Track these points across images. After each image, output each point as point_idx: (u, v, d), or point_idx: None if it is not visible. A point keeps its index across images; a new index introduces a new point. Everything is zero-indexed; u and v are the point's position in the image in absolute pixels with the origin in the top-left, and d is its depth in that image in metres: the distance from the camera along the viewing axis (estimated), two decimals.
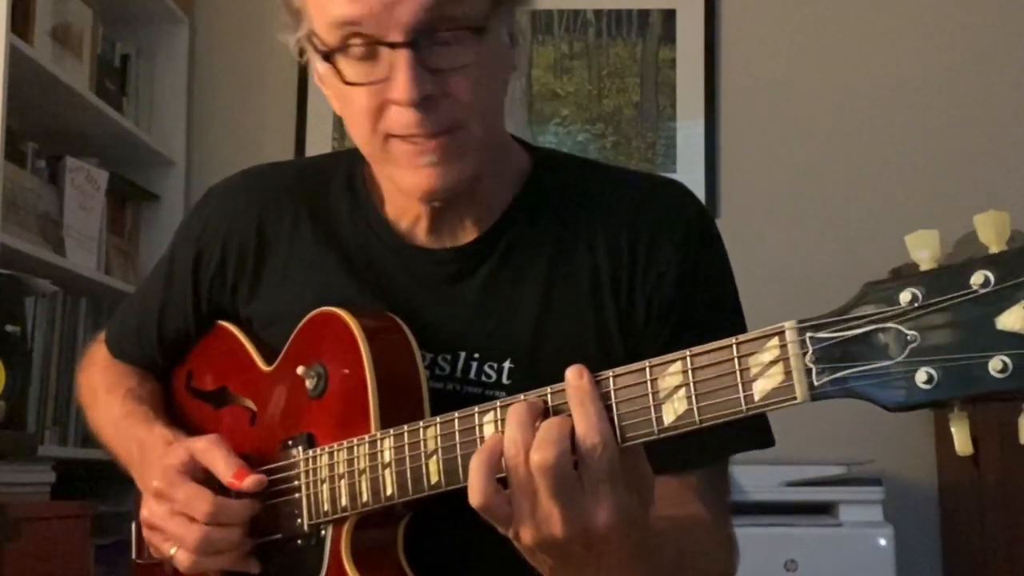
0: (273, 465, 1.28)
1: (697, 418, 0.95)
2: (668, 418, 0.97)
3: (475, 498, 1.02)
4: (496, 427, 1.06)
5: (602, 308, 1.28)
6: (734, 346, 0.93)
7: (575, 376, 1.01)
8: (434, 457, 1.12)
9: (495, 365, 1.27)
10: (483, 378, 1.27)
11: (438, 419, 1.12)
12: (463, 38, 1.17)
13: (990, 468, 2.89)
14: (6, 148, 2.64)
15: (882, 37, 3.61)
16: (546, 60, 3.61)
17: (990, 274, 0.80)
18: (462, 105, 1.18)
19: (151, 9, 3.51)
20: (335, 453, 1.21)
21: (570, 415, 1.00)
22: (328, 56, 1.20)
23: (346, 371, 1.23)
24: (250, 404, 1.36)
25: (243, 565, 1.27)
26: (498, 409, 1.07)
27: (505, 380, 1.27)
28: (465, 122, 1.19)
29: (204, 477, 1.26)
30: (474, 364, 1.28)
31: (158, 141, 3.50)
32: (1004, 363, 0.79)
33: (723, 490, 1.30)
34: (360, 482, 1.18)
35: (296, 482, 1.25)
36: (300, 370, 1.26)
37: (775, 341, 0.91)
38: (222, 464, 1.26)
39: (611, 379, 1.00)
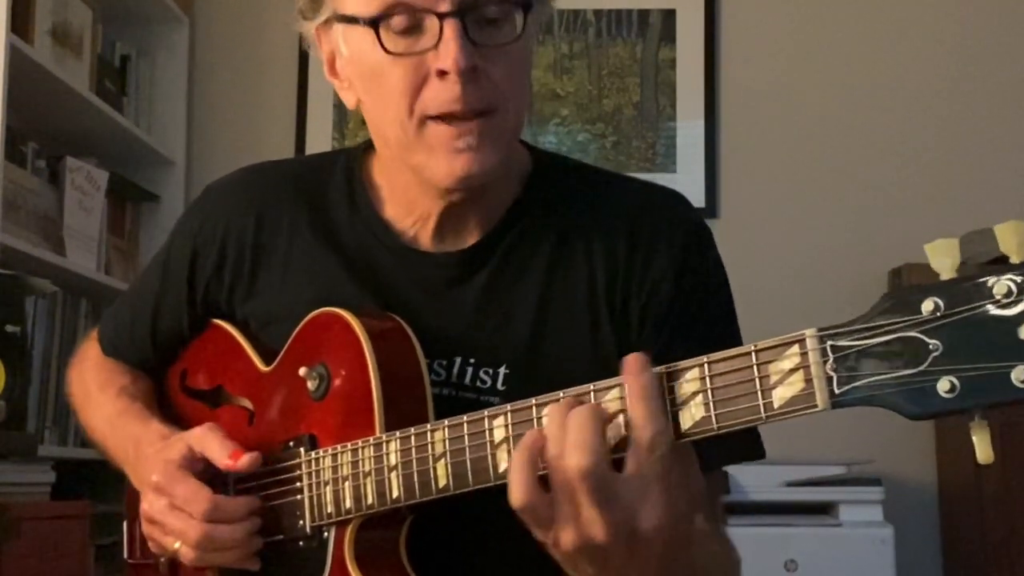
0: (274, 467, 1.27)
1: (715, 425, 0.95)
2: (685, 424, 0.97)
3: (517, 497, 1.00)
4: (507, 431, 1.06)
5: (598, 316, 1.28)
6: (753, 353, 0.93)
7: (639, 367, 0.98)
8: (442, 461, 1.12)
9: (490, 371, 1.27)
10: (478, 384, 1.27)
11: (446, 422, 1.12)
12: (508, 17, 1.19)
13: (990, 468, 2.89)
14: (6, 148, 2.64)
15: (882, 37, 3.62)
16: (546, 60, 3.61)
17: (1012, 284, 0.80)
18: (500, 88, 1.19)
19: (151, 9, 3.50)
20: (339, 455, 1.20)
21: (602, 410, 0.99)
22: (374, 23, 1.19)
23: (349, 373, 1.22)
24: (247, 404, 1.36)
25: (245, 562, 1.27)
26: (509, 413, 1.07)
27: (500, 386, 1.26)
28: (502, 106, 1.20)
29: (203, 469, 1.26)
30: (469, 369, 1.27)
31: (158, 141, 3.49)
32: None
33: (717, 500, 1.29)
34: (365, 484, 1.17)
35: (298, 483, 1.24)
36: (302, 371, 1.25)
37: (795, 349, 0.90)
38: (217, 448, 1.25)
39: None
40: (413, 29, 1.18)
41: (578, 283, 1.29)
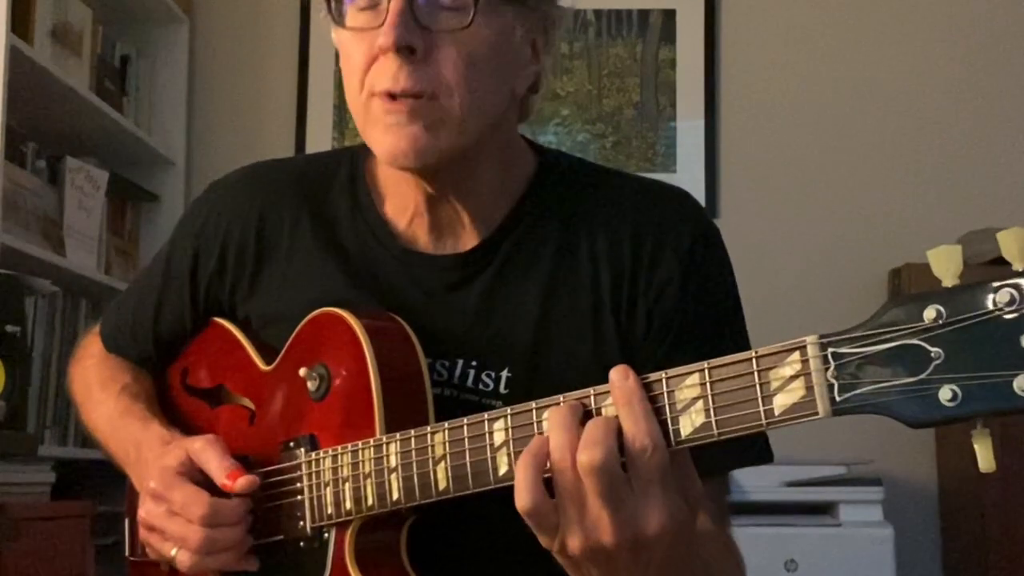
0: (274, 467, 1.27)
1: (716, 431, 0.95)
2: (685, 430, 0.97)
3: (523, 501, 1.00)
4: (507, 434, 1.06)
5: (602, 319, 1.28)
6: (754, 359, 0.93)
7: (620, 376, 0.99)
8: (442, 463, 1.12)
9: (492, 374, 1.27)
10: (480, 386, 1.27)
11: (446, 425, 1.12)
12: (464, 7, 1.19)
13: None
14: (6, 148, 2.64)
15: (882, 37, 3.61)
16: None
17: (1015, 293, 0.80)
18: (443, 76, 1.19)
19: (151, 9, 3.50)
20: (339, 456, 1.20)
21: (615, 416, 0.99)
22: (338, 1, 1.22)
23: (350, 373, 1.22)
24: (248, 403, 1.35)
25: (243, 564, 1.27)
26: (509, 416, 1.07)
27: (503, 389, 1.26)
28: (443, 92, 1.19)
29: (201, 478, 1.26)
30: (472, 372, 1.27)
31: (158, 141, 3.49)
32: None
33: (723, 503, 1.29)
34: (365, 486, 1.17)
35: (298, 484, 1.24)
36: (302, 371, 1.25)
37: (796, 356, 0.90)
38: (215, 465, 1.25)
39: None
40: (373, 5, 1.20)
41: (582, 285, 1.28)
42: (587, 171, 1.38)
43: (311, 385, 1.25)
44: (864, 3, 3.64)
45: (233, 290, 1.39)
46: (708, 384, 0.95)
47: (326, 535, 1.22)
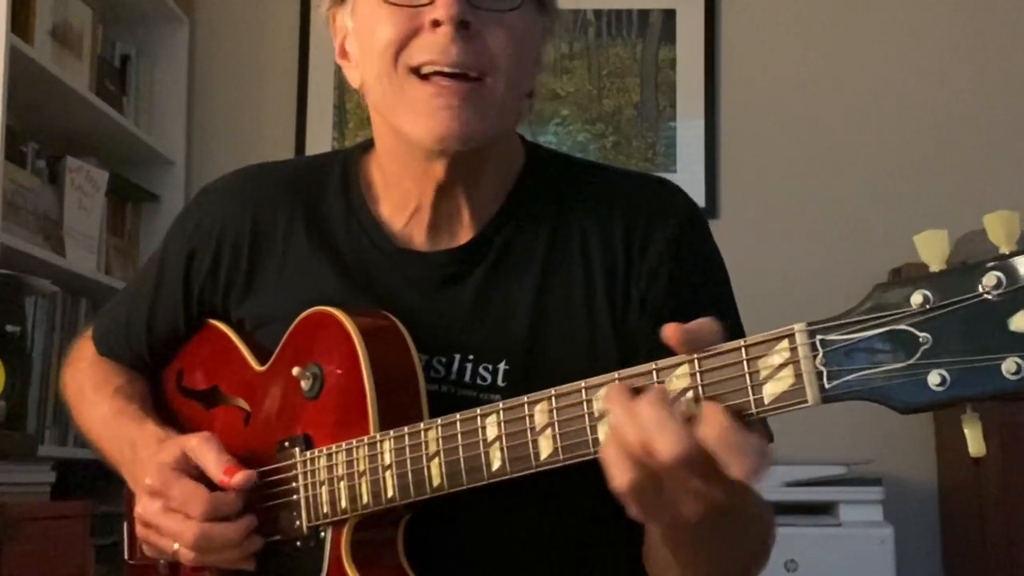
0: (270, 467, 1.27)
1: None
2: None
3: (619, 481, 0.96)
4: (500, 429, 1.07)
5: (596, 306, 1.28)
6: (743, 348, 0.93)
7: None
8: (436, 459, 1.12)
9: (490, 367, 1.27)
10: (478, 381, 1.27)
11: (439, 421, 1.13)
12: None
13: (990, 468, 2.89)
14: (6, 148, 2.64)
15: (882, 36, 3.62)
16: (546, 60, 3.61)
17: (1002, 275, 0.80)
18: (493, 56, 1.20)
19: (151, 9, 3.51)
20: (334, 455, 1.20)
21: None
22: None
23: (342, 371, 1.22)
24: (243, 404, 1.35)
25: (242, 563, 1.27)
26: (501, 411, 1.07)
27: (500, 382, 1.26)
28: (491, 73, 1.21)
29: (198, 474, 1.26)
30: (469, 366, 1.27)
31: (158, 141, 3.49)
32: (1018, 364, 0.79)
33: None
34: (360, 484, 1.18)
35: (294, 484, 1.24)
36: (295, 371, 1.25)
37: (784, 344, 0.90)
38: (212, 461, 1.25)
39: (617, 381, 0.99)
40: None
41: (575, 275, 1.29)
42: (572, 164, 1.40)
43: (304, 384, 1.25)
44: (864, 3, 3.64)
45: (227, 293, 1.38)
46: (698, 374, 0.95)
47: (322, 534, 1.22)
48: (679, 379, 0.96)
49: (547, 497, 1.19)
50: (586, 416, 1.02)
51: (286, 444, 1.26)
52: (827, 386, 0.88)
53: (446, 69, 1.19)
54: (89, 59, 3.13)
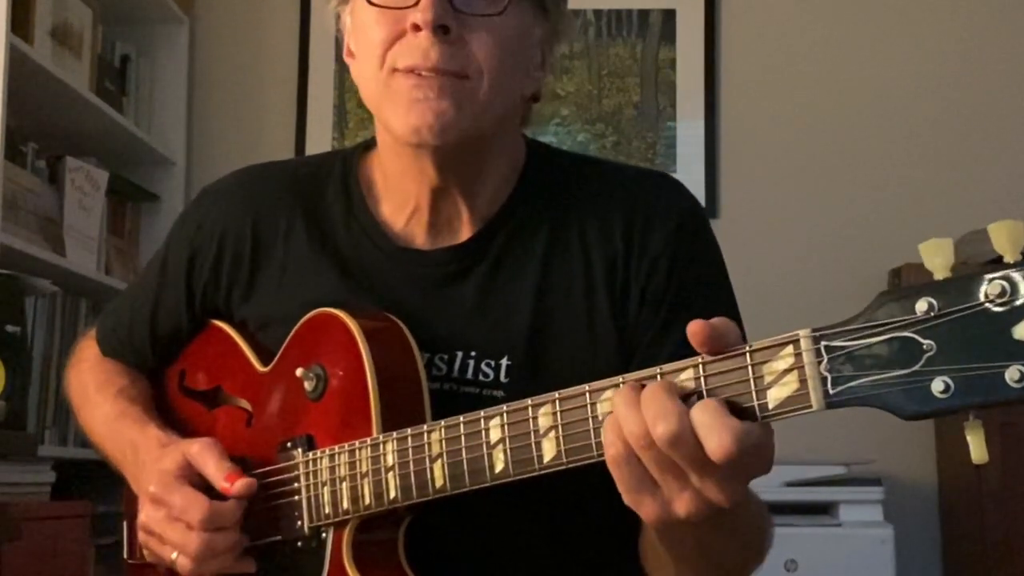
0: (272, 467, 1.27)
1: None
2: None
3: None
4: (503, 431, 1.07)
5: (596, 301, 1.28)
6: (747, 353, 0.93)
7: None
8: (439, 461, 1.12)
9: (492, 363, 1.27)
10: (480, 377, 1.27)
11: (443, 423, 1.13)
12: None
13: (990, 468, 2.89)
14: (6, 148, 2.64)
15: (882, 36, 3.62)
16: None
17: (1006, 285, 0.80)
18: (475, 59, 1.21)
19: (151, 9, 3.50)
20: (336, 456, 1.21)
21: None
22: None
23: (346, 373, 1.22)
24: (245, 405, 1.36)
25: (240, 566, 1.27)
26: (505, 414, 1.07)
27: (503, 378, 1.26)
28: (473, 75, 1.21)
29: (199, 481, 1.26)
30: (471, 363, 1.27)
31: (158, 141, 3.49)
32: (1021, 373, 0.79)
33: None
34: (362, 485, 1.18)
35: (296, 484, 1.24)
36: (299, 372, 1.26)
37: (789, 349, 0.90)
38: (213, 468, 1.25)
39: (621, 384, 0.99)
40: None
41: (575, 270, 1.29)
42: (573, 160, 1.40)
43: (308, 385, 1.26)
44: (864, 4, 3.64)
45: (229, 294, 1.39)
46: (703, 379, 0.95)
47: (324, 535, 1.22)
48: (684, 382, 0.96)
49: (549, 500, 1.20)
50: (590, 419, 1.02)
51: (288, 445, 1.26)
52: (831, 392, 0.88)
53: (424, 72, 1.20)
54: (89, 59, 3.13)
